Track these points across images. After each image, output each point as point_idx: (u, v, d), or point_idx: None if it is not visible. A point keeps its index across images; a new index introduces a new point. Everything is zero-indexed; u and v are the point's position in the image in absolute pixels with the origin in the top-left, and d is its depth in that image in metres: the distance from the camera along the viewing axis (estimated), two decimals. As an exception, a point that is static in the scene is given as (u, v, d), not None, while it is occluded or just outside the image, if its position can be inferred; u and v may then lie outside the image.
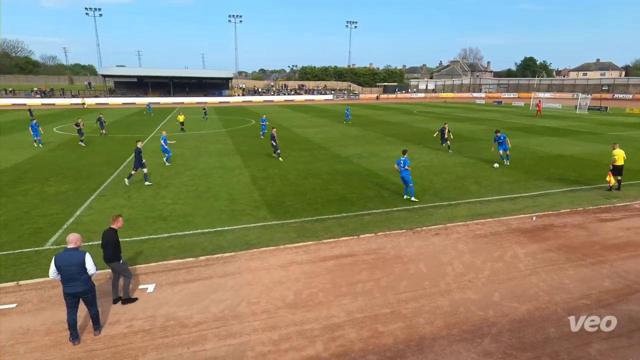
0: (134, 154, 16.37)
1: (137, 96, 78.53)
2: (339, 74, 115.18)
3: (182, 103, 76.66)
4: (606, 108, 57.36)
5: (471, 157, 22.07)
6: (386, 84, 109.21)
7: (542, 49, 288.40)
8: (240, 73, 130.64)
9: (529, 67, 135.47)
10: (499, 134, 19.89)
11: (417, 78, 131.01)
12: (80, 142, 26.72)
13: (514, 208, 13.33)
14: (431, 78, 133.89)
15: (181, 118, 34.88)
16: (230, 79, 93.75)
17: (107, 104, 73.12)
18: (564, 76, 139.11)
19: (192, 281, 8.55)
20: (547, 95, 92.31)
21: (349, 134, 32.42)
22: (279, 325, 7.05)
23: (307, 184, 16.37)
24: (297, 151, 24.10)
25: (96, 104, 71.72)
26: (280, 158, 21.32)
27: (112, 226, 7.71)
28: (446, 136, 23.84)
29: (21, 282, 8.46)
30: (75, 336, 6.58)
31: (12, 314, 7.40)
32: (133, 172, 16.29)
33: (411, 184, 13.90)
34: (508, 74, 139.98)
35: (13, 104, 69.12)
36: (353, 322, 7.13)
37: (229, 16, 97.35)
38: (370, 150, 24.30)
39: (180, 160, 21.10)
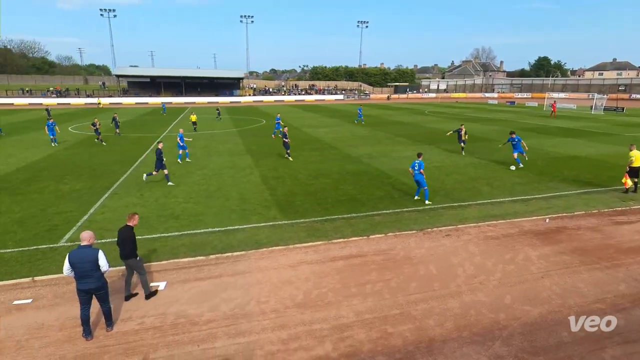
0: (155, 155, 16.45)
1: (150, 96, 79.59)
2: (350, 74, 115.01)
3: (194, 103, 77.38)
4: (623, 109, 56.14)
5: (483, 158, 21.82)
6: (397, 84, 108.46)
7: (557, 48, 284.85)
8: (251, 73, 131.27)
9: (543, 67, 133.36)
10: (513, 136, 19.11)
11: (429, 78, 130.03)
12: (99, 141, 26.90)
13: (527, 210, 13.13)
14: (443, 78, 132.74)
15: (194, 118, 35.30)
16: (242, 79, 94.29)
17: (120, 103, 74.20)
18: (579, 76, 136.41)
19: (203, 279, 8.63)
20: (562, 95, 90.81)
21: (359, 134, 32.34)
22: (288, 324, 7.07)
23: (318, 184, 16.38)
24: (308, 151, 24.14)
25: (110, 103, 72.84)
26: (290, 158, 21.38)
27: (128, 223, 7.83)
28: (463, 138, 23.00)
29: (36, 278, 8.64)
30: (88, 332, 6.70)
31: (27, 309, 7.56)
32: (154, 173, 16.41)
33: (426, 187, 13.65)
34: (521, 73, 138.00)
35: (30, 104, 70.60)
36: (362, 322, 7.12)
37: (241, 16, 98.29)
38: (380, 151, 24.21)
39: (191, 160, 21.32)
